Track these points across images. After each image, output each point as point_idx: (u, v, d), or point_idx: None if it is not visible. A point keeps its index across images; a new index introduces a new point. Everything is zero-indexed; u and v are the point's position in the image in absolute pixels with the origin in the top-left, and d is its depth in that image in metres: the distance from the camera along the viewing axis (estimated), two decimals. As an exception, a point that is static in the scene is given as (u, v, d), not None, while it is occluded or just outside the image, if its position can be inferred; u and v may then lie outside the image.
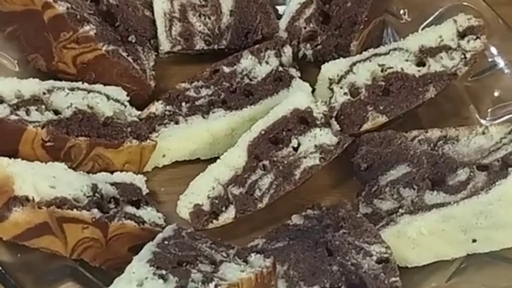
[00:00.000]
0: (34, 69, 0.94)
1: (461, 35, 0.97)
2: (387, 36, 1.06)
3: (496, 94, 1.01)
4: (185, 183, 0.88)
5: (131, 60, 0.96)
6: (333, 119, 0.94)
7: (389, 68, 0.95)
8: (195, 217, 0.86)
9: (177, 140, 0.94)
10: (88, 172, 0.87)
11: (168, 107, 0.95)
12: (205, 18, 1.01)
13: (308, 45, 1.04)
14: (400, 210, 0.87)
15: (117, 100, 0.93)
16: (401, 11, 1.08)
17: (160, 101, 0.95)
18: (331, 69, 0.96)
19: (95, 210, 0.81)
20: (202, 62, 0.99)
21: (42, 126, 0.83)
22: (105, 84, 0.93)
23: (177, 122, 0.94)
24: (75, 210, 0.79)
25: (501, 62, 1.02)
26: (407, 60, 0.96)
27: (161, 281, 0.69)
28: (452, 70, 0.96)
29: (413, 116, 0.97)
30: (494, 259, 0.84)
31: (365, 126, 0.94)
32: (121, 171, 0.90)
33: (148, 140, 0.92)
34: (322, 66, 0.97)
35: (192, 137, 0.94)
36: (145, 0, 1.02)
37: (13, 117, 0.82)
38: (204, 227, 0.86)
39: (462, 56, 0.97)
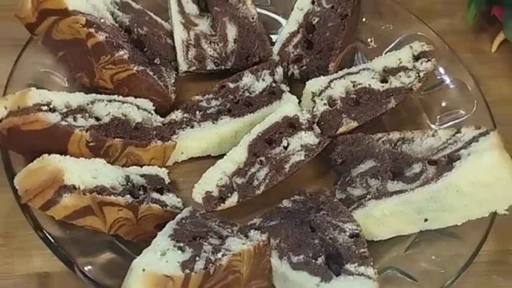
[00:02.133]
0: (80, 85, 0.94)
1: (416, 58, 0.97)
2: (358, 59, 1.06)
3: (443, 104, 1.01)
4: (199, 175, 0.89)
5: (156, 78, 0.96)
6: (315, 124, 0.94)
7: (359, 84, 0.95)
8: (207, 201, 0.86)
9: (192, 141, 0.94)
10: (122, 166, 0.87)
11: (185, 115, 0.95)
12: (214, 45, 1.01)
13: (296, 66, 1.04)
14: (368, 196, 0.87)
15: (145, 109, 0.92)
16: (369, 39, 1.09)
17: (179, 110, 0.95)
18: (313, 85, 0.96)
19: (128, 196, 0.81)
20: (212, 79, 0.99)
21: (86, 130, 0.83)
22: (135, 97, 0.93)
23: (192, 127, 0.94)
24: (112, 196, 0.79)
25: (447, 79, 1.02)
26: (373, 78, 0.96)
27: (179, 251, 0.70)
28: (408, 86, 0.96)
29: (378, 122, 0.97)
30: (441, 235, 0.84)
31: (340, 130, 0.94)
32: (148, 165, 0.90)
33: (170, 141, 0.92)
34: (307, 83, 0.97)
35: (204, 138, 0.94)
36: (167, 31, 1.02)
37: (63, 123, 0.82)
38: (213, 209, 0.86)
39: (417, 75, 0.96)
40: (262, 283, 0.77)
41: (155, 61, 0.98)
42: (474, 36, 1.13)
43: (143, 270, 0.65)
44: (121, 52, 0.91)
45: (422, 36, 1.02)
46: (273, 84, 0.98)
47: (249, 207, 0.89)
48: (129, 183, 0.83)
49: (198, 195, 0.87)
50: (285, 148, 0.91)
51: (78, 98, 0.86)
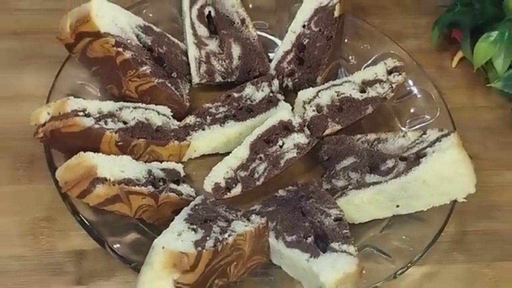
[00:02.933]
0: (110, 95, 0.93)
1: (389, 72, 0.97)
2: (341, 73, 1.06)
3: (412, 110, 1.01)
4: (209, 169, 0.88)
5: (173, 89, 0.95)
6: (306, 127, 0.93)
7: (342, 94, 0.95)
8: (215, 191, 0.86)
9: (203, 141, 0.93)
10: (145, 162, 0.87)
11: (197, 119, 0.94)
12: (222, 61, 1.01)
13: (289, 79, 1.03)
14: (349, 187, 0.87)
15: (164, 115, 0.92)
16: (350, 57, 1.08)
17: (192, 115, 0.95)
18: (304, 94, 0.95)
19: (150, 187, 0.81)
20: (220, 90, 0.99)
21: (115, 132, 0.83)
22: (156, 104, 0.92)
23: (203, 129, 0.94)
24: (137, 186, 0.79)
25: (415, 90, 1.02)
26: (354, 89, 0.96)
27: (193, 232, 0.70)
28: (383, 95, 0.96)
29: (358, 125, 0.97)
30: (410, 218, 0.84)
31: (327, 132, 0.93)
32: (167, 161, 0.90)
33: (185, 141, 0.92)
34: (298, 93, 0.96)
35: (213, 139, 0.93)
36: (183, 50, 1.02)
37: (96, 126, 0.82)
38: (221, 197, 0.86)
39: (390, 86, 0.96)
40: (262, 258, 0.77)
41: (172, 75, 0.98)
42: (438, 54, 1.13)
43: (163, 247, 0.66)
44: (144, 67, 0.91)
45: (394, 54, 1.02)
46: (271, 94, 0.98)
47: (250, 196, 0.89)
48: (151, 176, 0.83)
49: (208, 185, 0.87)
50: (281, 147, 0.90)
51: (108, 105, 0.86)
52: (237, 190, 0.87)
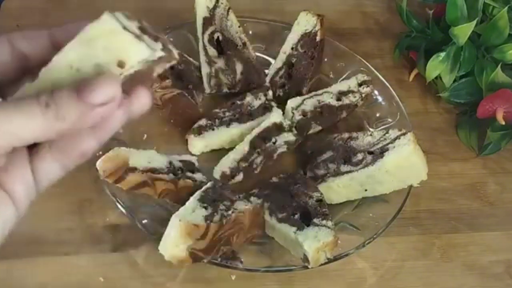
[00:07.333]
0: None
1: (359, 84, 0.97)
2: (322, 85, 1.05)
3: (377, 115, 1.00)
4: (217, 161, 0.88)
5: (190, 98, 0.95)
6: (293, 128, 0.93)
7: (322, 101, 0.95)
8: (222, 178, 0.86)
9: (213, 139, 0.92)
10: None
11: (208, 122, 0.94)
12: (228, 76, 1.01)
13: (281, 90, 1.03)
14: (328, 175, 0.87)
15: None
16: (329, 73, 1.07)
17: (205, 118, 0.94)
18: (292, 102, 0.95)
19: (171, 175, 0.80)
20: (226, 98, 0.98)
21: None
22: (175, 110, 0.92)
23: (213, 129, 0.93)
24: (160, 174, 0.78)
25: (380, 98, 1.01)
26: (332, 98, 0.96)
27: (204, 209, 0.70)
28: (355, 103, 0.96)
29: (335, 126, 0.97)
30: (376, 200, 0.84)
31: (310, 131, 0.94)
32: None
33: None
34: (288, 101, 0.96)
35: (221, 137, 0.93)
36: (197, 67, 1.01)
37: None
38: (227, 183, 0.85)
39: (360, 96, 0.96)
40: (258, 231, 0.77)
41: (189, 86, 0.97)
42: (398, 71, 1.13)
43: (179, 220, 0.66)
44: (167, 81, 0.91)
45: (364, 71, 1.02)
46: (266, 102, 0.98)
47: (249, 182, 0.88)
48: (171, 166, 0.83)
49: (217, 173, 0.87)
50: (274, 143, 0.90)
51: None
52: (239, 177, 0.87)
